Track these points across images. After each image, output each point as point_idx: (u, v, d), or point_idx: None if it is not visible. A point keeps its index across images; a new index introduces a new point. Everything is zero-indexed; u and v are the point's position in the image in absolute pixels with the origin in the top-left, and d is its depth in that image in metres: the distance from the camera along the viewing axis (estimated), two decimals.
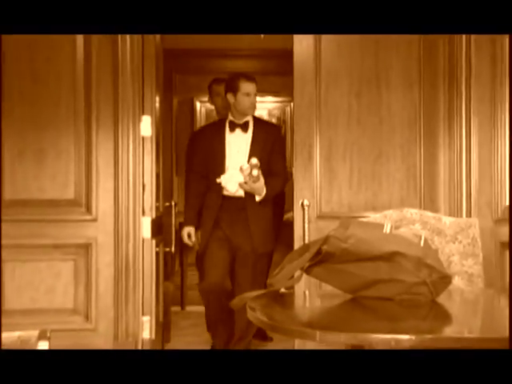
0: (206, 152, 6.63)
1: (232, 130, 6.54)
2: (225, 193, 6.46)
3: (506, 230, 5.96)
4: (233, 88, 6.43)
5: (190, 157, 7.13)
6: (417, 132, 6.36)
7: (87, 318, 6.12)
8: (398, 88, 6.36)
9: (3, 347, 3.02)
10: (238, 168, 6.23)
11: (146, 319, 6.26)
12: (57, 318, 6.01)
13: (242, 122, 6.56)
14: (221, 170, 6.44)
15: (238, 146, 6.49)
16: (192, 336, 7.87)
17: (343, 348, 3.45)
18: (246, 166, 6.19)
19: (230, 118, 6.63)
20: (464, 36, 6.17)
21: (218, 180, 6.36)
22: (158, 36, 6.80)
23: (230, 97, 6.54)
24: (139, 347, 6.19)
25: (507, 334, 2.67)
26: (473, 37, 6.16)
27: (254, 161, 6.17)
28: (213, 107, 8.27)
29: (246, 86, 6.40)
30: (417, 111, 6.36)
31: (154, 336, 6.38)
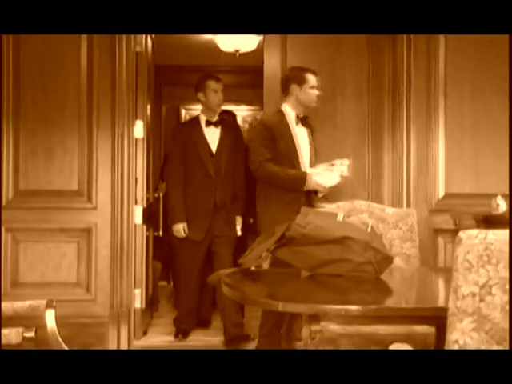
0: (276, 144, 5.42)
1: (297, 123, 5.57)
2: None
3: (438, 218, 6.05)
4: (300, 80, 5.51)
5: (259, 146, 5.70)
6: (365, 137, 6.37)
7: (88, 290, 6.10)
8: (350, 100, 6.37)
9: (17, 313, 3.01)
10: (332, 164, 5.37)
11: (137, 292, 6.26)
12: (62, 290, 5.99)
13: (302, 115, 5.63)
14: (294, 164, 5.42)
15: (303, 140, 5.61)
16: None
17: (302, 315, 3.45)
18: (346, 163, 5.38)
19: (292, 110, 5.52)
20: (405, 56, 6.21)
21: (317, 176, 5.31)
22: (149, 53, 6.79)
23: (295, 88, 5.49)
24: (132, 315, 6.20)
25: (437, 304, 2.69)
26: (412, 56, 6.21)
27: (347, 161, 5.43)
28: (194, 113, 8.25)
29: (313, 79, 5.55)
30: (365, 119, 6.37)
31: (144, 306, 6.40)
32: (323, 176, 5.28)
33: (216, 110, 6.37)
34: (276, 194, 5.34)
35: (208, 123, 6.30)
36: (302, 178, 5.29)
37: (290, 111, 5.53)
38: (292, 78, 5.58)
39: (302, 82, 5.51)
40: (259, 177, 5.42)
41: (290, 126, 5.47)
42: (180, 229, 6.18)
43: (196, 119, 6.43)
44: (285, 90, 5.60)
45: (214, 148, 6.26)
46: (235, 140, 6.37)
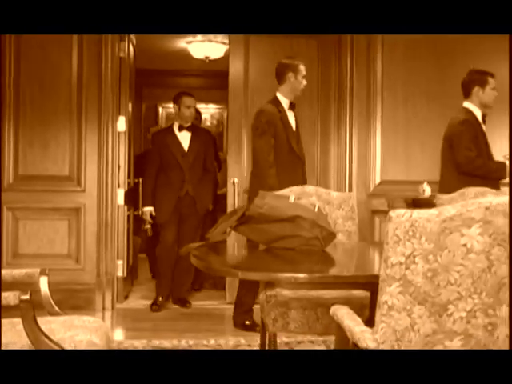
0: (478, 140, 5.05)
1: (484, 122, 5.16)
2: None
3: (375, 201, 6.15)
4: (482, 82, 5.01)
5: None
6: (315, 132, 6.43)
7: (77, 260, 6.10)
8: (303, 102, 6.37)
9: (15, 279, 3.00)
10: None
11: (120, 262, 6.27)
12: (56, 260, 5.99)
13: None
14: (490, 158, 5.13)
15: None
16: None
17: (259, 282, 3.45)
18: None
19: (479, 110, 5.11)
20: (348, 67, 6.27)
21: None
22: (131, 59, 6.75)
23: (478, 90, 5.03)
24: (115, 282, 6.20)
25: (372, 272, 2.72)
26: (355, 67, 6.26)
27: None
28: (170, 111, 8.21)
29: (493, 81, 5.03)
30: (316, 118, 6.42)
31: (125, 274, 6.40)
32: None
33: (298, 94, 5.30)
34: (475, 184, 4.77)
35: (291, 106, 5.28)
36: (504, 167, 5.04)
37: (477, 111, 5.13)
38: (475, 81, 5.15)
39: (484, 84, 5.12)
40: (468, 170, 4.98)
41: (481, 124, 5.12)
42: None
43: (277, 101, 5.24)
44: (467, 93, 5.15)
45: (294, 131, 5.29)
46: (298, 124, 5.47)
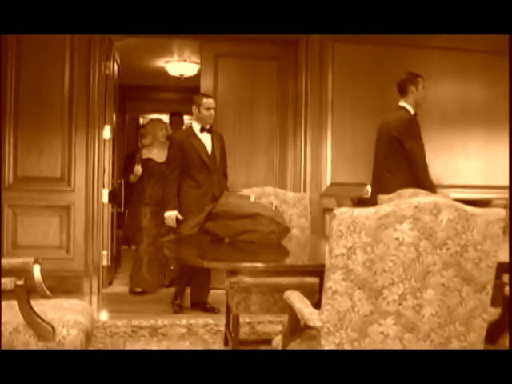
0: None
1: None
2: None
3: (325, 201, 6.16)
4: None
5: None
6: (275, 139, 6.45)
7: (68, 251, 6.05)
8: (264, 112, 6.42)
9: (12, 267, 2.98)
10: None
11: (104, 253, 6.23)
12: (49, 251, 5.94)
13: None
14: None
15: None
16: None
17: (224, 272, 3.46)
18: None
19: None
20: (304, 82, 6.29)
21: None
22: (116, 76, 6.72)
23: None
24: (100, 270, 6.17)
25: (321, 262, 2.74)
26: (309, 82, 6.28)
27: None
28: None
29: None
30: (275, 127, 6.44)
31: (109, 263, 6.37)
32: None
33: (421, 103, 5.15)
34: None
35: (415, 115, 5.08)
36: None
37: None
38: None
39: None
40: None
41: None
42: None
43: (407, 110, 5.03)
44: None
45: None
46: None
